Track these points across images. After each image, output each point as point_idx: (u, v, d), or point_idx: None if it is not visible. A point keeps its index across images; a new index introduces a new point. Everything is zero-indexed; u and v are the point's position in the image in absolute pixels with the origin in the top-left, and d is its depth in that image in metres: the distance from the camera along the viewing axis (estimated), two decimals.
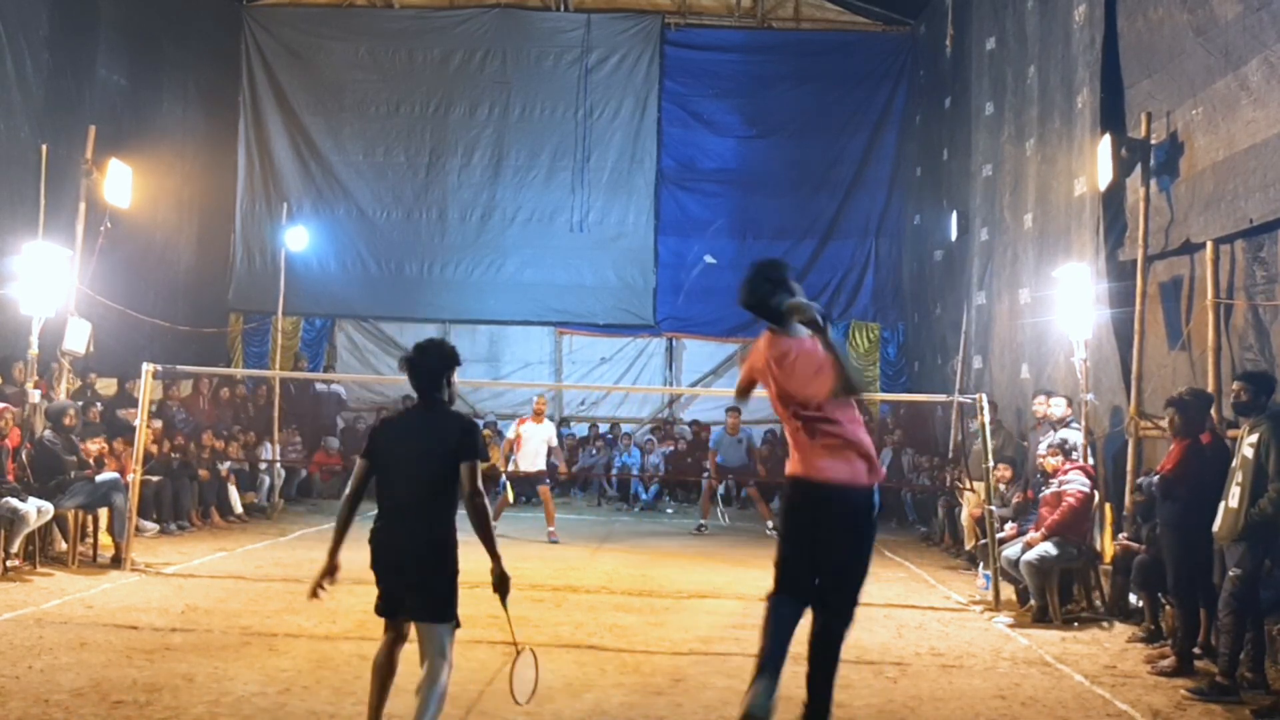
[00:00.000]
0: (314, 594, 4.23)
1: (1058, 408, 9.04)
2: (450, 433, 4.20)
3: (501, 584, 4.20)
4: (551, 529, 11.41)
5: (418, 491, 4.16)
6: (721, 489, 14.18)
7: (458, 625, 4.21)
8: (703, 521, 12.88)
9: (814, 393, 4.29)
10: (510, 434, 11.91)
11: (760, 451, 14.33)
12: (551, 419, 12.78)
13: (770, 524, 12.24)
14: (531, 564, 9.57)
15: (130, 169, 10.51)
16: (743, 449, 13.10)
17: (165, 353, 12.76)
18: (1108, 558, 8.16)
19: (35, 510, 8.17)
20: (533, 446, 11.55)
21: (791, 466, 4.45)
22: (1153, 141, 8.28)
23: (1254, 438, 5.73)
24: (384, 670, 4.30)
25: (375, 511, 4.25)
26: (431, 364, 4.22)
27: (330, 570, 4.29)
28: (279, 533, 11.36)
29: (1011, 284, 11.97)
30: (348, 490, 4.28)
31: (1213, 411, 6.94)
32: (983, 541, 8.96)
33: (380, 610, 4.26)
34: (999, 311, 12.40)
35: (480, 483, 4.18)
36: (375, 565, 4.23)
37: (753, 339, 18.42)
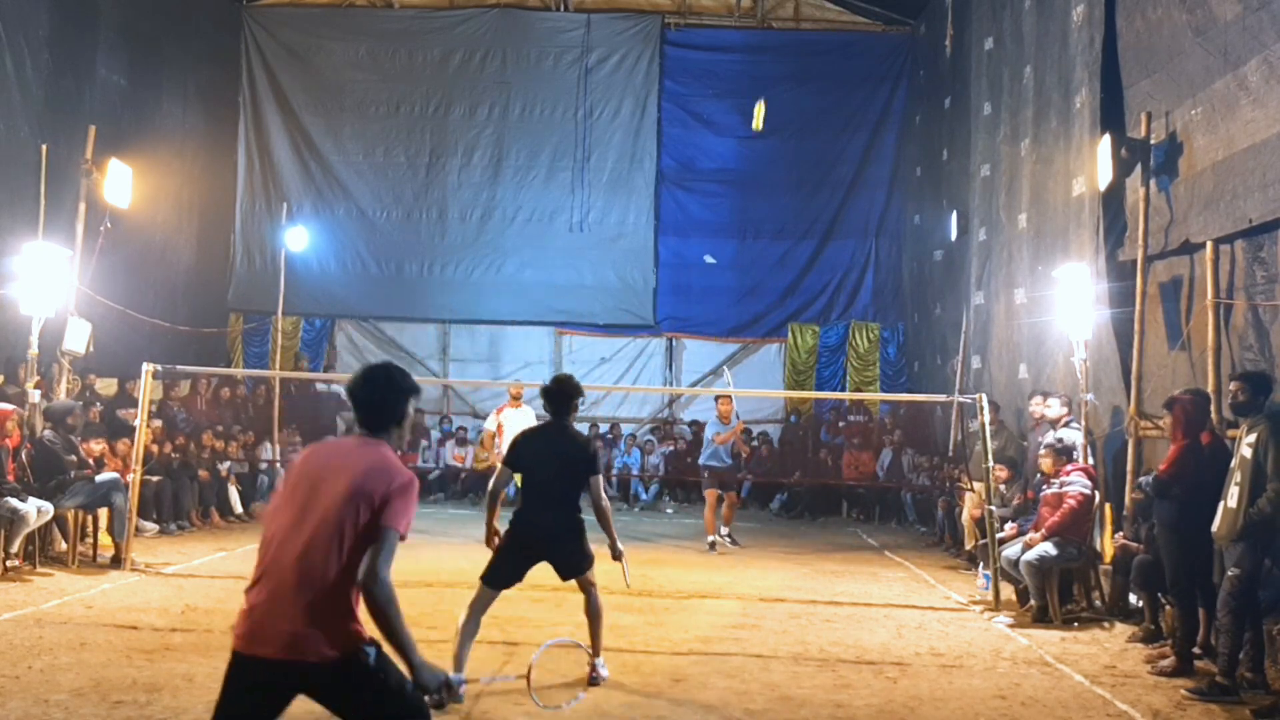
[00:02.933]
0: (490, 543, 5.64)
1: (1053, 408, 9.04)
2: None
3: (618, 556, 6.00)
4: None
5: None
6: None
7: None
8: (712, 538, 11.28)
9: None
10: (489, 425, 11.42)
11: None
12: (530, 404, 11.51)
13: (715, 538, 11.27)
14: None
15: (130, 169, 10.51)
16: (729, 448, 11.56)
17: (165, 353, 12.75)
18: (1107, 558, 8.16)
19: (35, 510, 8.16)
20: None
21: None
22: (1152, 141, 8.28)
23: (1252, 438, 5.73)
24: (475, 627, 5.46)
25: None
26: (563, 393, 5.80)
27: (493, 534, 5.71)
28: None
29: (1009, 284, 11.98)
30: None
31: (1212, 411, 6.94)
32: (983, 541, 8.96)
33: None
34: (997, 311, 12.40)
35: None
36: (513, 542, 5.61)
37: (753, 339, 18.40)
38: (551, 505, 5.64)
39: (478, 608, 5.48)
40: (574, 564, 5.76)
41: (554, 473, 5.63)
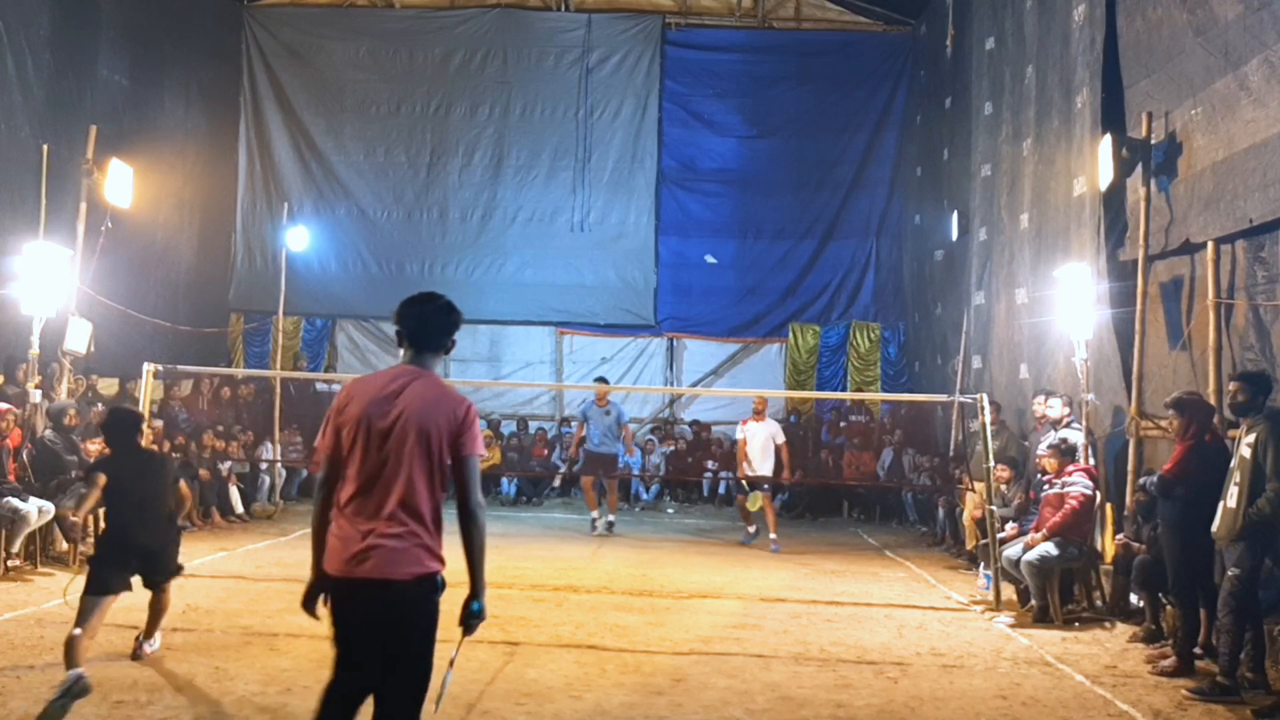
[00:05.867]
0: None
1: (1055, 408, 9.03)
2: None
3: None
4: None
5: None
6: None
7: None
8: (603, 517, 12.12)
9: None
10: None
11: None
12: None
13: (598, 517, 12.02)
14: (532, 564, 9.58)
15: (131, 169, 10.51)
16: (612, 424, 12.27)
17: (166, 353, 12.76)
18: (1108, 558, 8.16)
19: (36, 510, 8.18)
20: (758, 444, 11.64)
21: None
22: (1153, 141, 8.27)
23: (1251, 438, 5.73)
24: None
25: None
26: None
27: None
28: (280, 533, 11.36)
29: (1010, 284, 11.98)
30: None
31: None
32: (983, 541, 8.96)
33: None
34: (998, 311, 12.40)
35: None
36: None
37: (754, 339, 18.47)
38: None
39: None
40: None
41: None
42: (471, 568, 3.38)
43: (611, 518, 12.24)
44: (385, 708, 3.26)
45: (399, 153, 17.33)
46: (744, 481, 11.63)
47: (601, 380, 12.23)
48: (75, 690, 4.85)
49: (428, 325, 3.42)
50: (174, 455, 11.36)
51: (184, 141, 15.79)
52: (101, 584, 5.51)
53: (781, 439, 11.70)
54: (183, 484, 6.63)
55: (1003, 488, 9.09)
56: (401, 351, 3.46)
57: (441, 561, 3.38)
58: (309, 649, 6.22)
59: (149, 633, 6.00)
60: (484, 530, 3.37)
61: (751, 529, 11.82)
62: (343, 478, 3.33)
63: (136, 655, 5.89)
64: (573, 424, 15.56)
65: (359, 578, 3.24)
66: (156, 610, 6.01)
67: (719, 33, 17.71)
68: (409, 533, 3.26)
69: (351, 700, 3.31)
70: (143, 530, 5.83)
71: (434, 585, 3.32)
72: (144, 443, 6.86)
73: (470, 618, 3.37)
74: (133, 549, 5.76)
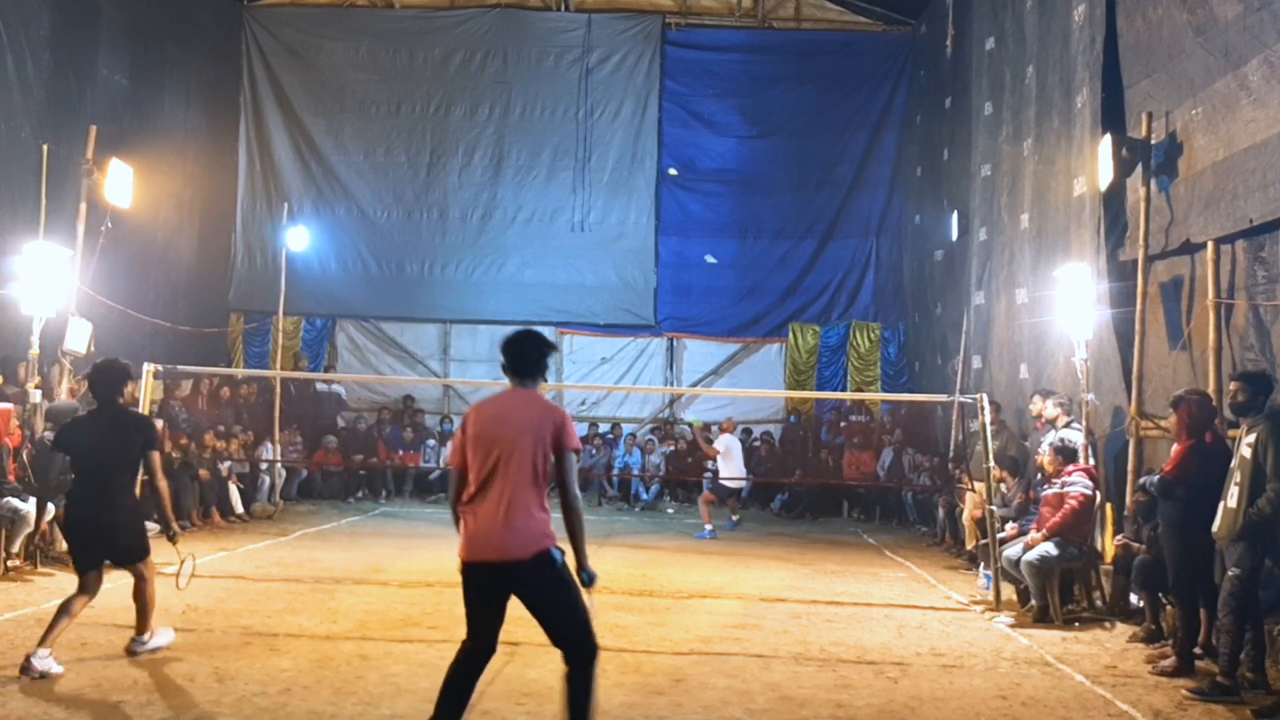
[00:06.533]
0: None
1: (1050, 408, 9.03)
2: None
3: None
4: None
5: None
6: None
7: None
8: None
9: None
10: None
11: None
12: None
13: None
14: None
15: (131, 169, 10.51)
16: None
17: (166, 353, 12.76)
18: (1108, 558, 8.16)
19: (36, 510, 8.17)
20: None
21: None
22: (1153, 141, 8.27)
23: (1252, 438, 5.73)
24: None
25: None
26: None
27: None
28: (280, 533, 11.36)
29: (1010, 284, 11.98)
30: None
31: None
32: (983, 541, 8.96)
33: None
34: (998, 311, 12.40)
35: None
36: None
37: (754, 339, 18.52)
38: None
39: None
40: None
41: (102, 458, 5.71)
42: (574, 543, 4.19)
43: None
44: (567, 644, 4.09)
45: (399, 153, 17.34)
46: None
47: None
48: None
49: (526, 358, 4.24)
50: (174, 455, 11.39)
51: (184, 141, 15.80)
52: (75, 560, 5.62)
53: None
54: (159, 477, 5.95)
55: (1002, 487, 9.09)
56: (508, 380, 4.25)
57: (552, 538, 4.09)
58: (309, 649, 6.23)
59: (139, 628, 5.93)
60: (581, 514, 4.19)
61: (709, 527, 12.46)
62: (470, 482, 4.06)
63: (131, 651, 5.86)
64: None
65: (494, 560, 4.01)
66: (139, 603, 5.88)
67: (719, 33, 17.72)
68: (526, 520, 4.01)
69: (481, 659, 4.17)
70: (99, 502, 5.64)
71: (550, 558, 4.04)
72: (125, 401, 6.38)
73: (586, 583, 4.18)
74: (87, 523, 5.65)
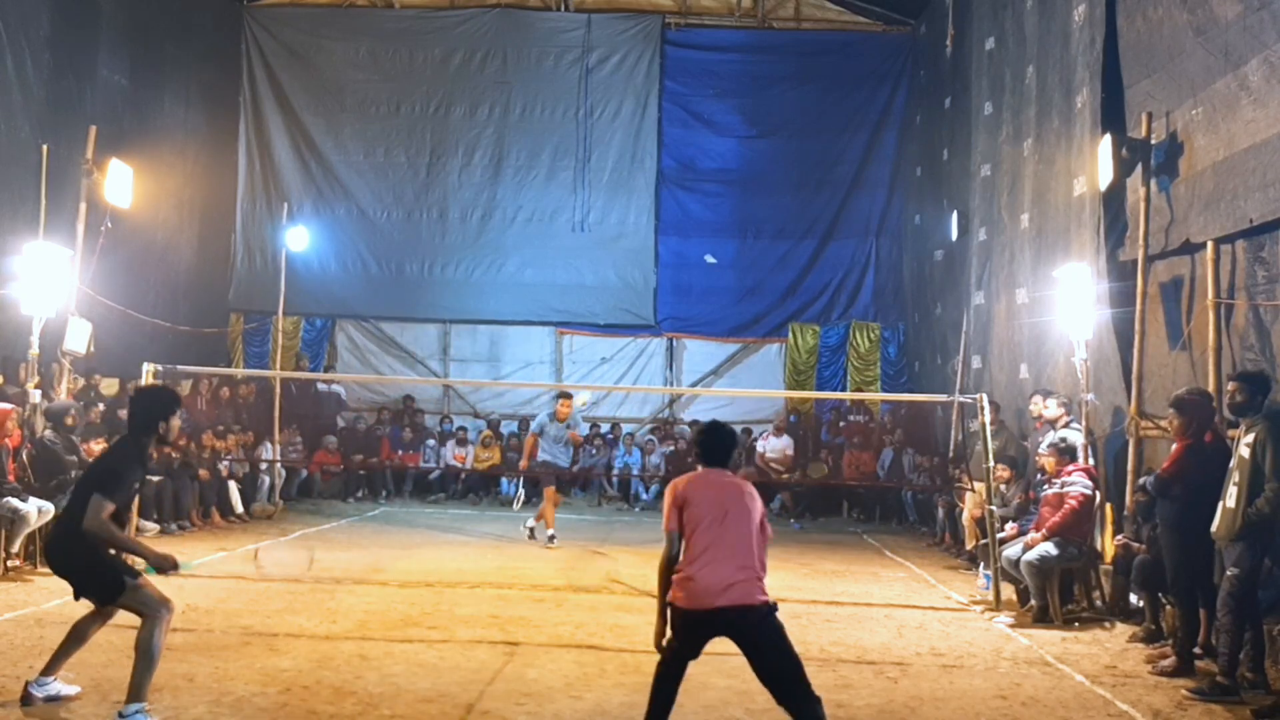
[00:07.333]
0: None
1: (1050, 408, 9.03)
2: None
3: None
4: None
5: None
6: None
7: None
8: (551, 531, 11.05)
9: None
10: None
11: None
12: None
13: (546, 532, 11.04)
14: (532, 564, 9.57)
15: (131, 169, 10.51)
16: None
17: (166, 353, 12.73)
18: (1108, 558, 8.16)
19: (36, 510, 8.18)
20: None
21: None
22: (1153, 141, 8.27)
23: (1250, 437, 5.73)
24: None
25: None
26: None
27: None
28: (279, 533, 11.35)
29: (1010, 284, 11.98)
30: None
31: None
32: (983, 541, 8.96)
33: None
34: (998, 311, 12.40)
35: None
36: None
37: (754, 339, 18.52)
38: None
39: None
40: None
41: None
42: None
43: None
44: (788, 685, 4.40)
45: (399, 153, 17.33)
46: None
47: (565, 399, 11.56)
48: None
49: (717, 448, 4.73)
50: (174, 455, 11.38)
51: (184, 141, 15.80)
52: None
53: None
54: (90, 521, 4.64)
55: (1002, 488, 9.09)
56: (700, 465, 4.71)
57: (765, 593, 4.48)
58: (309, 649, 6.23)
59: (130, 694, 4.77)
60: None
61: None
62: (689, 544, 4.48)
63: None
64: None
65: (723, 606, 4.37)
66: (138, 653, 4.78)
67: (719, 33, 17.71)
68: (752, 574, 4.45)
69: (681, 672, 4.51)
70: (53, 545, 5.15)
71: (770, 608, 4.44)
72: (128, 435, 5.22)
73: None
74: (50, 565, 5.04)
